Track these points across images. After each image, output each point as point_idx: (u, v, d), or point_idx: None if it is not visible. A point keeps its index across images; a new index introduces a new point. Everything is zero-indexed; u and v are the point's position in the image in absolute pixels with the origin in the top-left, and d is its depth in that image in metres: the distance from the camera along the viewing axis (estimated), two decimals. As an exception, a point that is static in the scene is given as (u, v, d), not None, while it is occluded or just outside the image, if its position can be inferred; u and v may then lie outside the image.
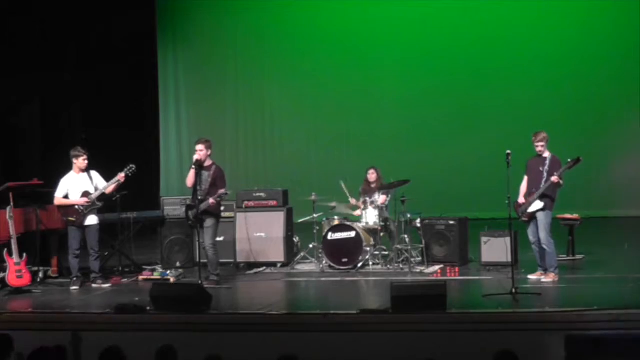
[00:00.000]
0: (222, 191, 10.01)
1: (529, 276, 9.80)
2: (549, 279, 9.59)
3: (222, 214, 10.85)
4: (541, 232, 9.62)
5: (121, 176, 10.41)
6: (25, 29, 14.60)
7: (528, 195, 9.71)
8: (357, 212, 11.56)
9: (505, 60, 16.61)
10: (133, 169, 10.50)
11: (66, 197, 10.46)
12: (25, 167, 14.17)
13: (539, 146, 9.72)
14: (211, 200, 9.99)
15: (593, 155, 16.06)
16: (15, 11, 14.34)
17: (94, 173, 10.61)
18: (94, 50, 15.88)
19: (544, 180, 9.59)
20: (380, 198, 11.41)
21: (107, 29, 15.85)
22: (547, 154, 9.73)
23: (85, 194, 10.42)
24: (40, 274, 10.81)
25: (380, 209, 11.21)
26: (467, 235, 11.33)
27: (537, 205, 9.60)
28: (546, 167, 9.62)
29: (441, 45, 16.84)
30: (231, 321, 8.32)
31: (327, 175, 16.27)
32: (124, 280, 10.84)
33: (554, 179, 9.47)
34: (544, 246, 9.64)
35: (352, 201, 11.66)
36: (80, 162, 10.48)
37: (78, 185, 10.47)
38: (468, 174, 16.46)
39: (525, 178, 9.87)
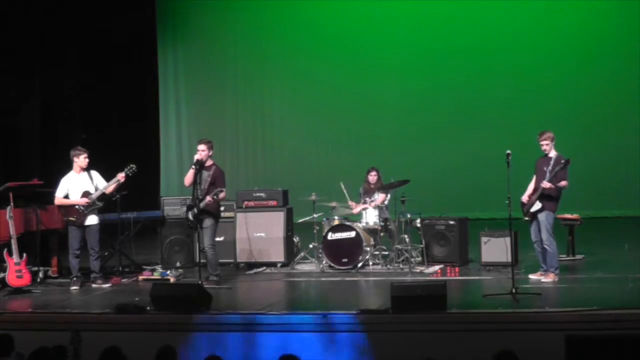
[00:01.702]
0: (218, 189, 10.03)
1: (530, 275, 9.80)
2: (548, 279, 9.59)
3: (222, 214, 10.86)
4: (543, 233, 9.62)
5: (121, 176, 10.40)
6: (25, 28, 14.60)
7: (532, 194, 9.71)
8: (356, 211, 11.57)
9: (506, 60, 16.60)
10: (133, 168, 10.50)
11: (66, 197, 10.46)
12: (25, 167, 14.17)
13: (543, 145, 9.70)
14: (208, 198, 9.99)
15: (593, 155, 16.11)
16: (15, 11, 14.34)
17: (94, 173, 10.61)
18: (94, 50, 15.88)
19: (545, 180, 9.59)
20: (379, 197, 11.42)
21: (107, 28, 15.85)
22: (553, 154, 9.70)
23: (86, 193, 10.42)
24: (40, 274, 10.81)
25: (380, 208, 11.20)
26: (467, 235, 11.32)
27: (537, 206, 9.60)
28: (549, 167, 9.60)
29: (441, 45, 16.83)
30: (231, 321, 8.32)
31: (327, 175, 16.28)
32: (124, 280, 10.84)
33: (544, 184, 9.46)
34: (546, 246, 9.64)
35: (352, 204, 11.66)
36: (82, 160, 10.48)
37: (78, 184, 10.47)
38: (468, 174, 16.46)
39: (534, 177, 9.86)
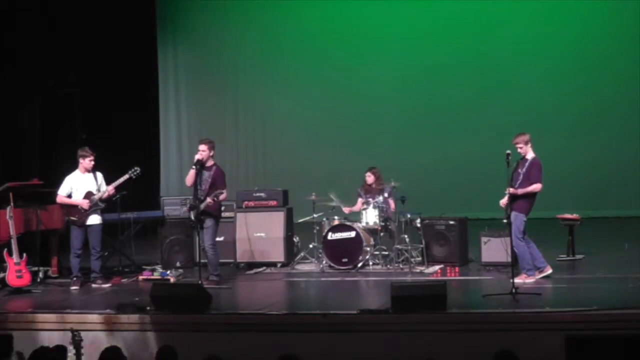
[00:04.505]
0: (218, 191, 10.03)
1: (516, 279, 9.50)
2: (520, 279, 9.40)
3: (222, 214, 10.85)
4: (512, 234, 9.53)
5: (110, 189, 10.46)
6: (25, 28, 14.58)
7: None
8: (357, 208, 11.52)
9: (506, 60, 16.60)
10: (138, 171, 10.52)
11: (69, 195, 10.47)
12: (25, 167, 14.15)
13: (517, 149, 9.67)
14: (208, 200, 10.00)
15: (593, 155, 16.11)
16: (15, 11, 14.32)
17: (99, 174, 10.62)
18: (94, 50, 15.87)
19: (518, 182, 9.56)
20: (391, 204, 11.37)
21: (107, 28, 15.84)
22: (530, 156, 9.68)
23: (89, 194, 10.43)
24: (40, 274, 10.81)
25: (380, 209, 11.20)
26: (467, 235, 11.33)
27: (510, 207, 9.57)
28: (524, 170, 9.60)
29: (441, 45, 16.82)
30: (231, 321, 8.33)
31: (327, 175, 16.29)
32: (124, 280, 10.84)
33: (508, 190, 9.43)
34: (514, 248, 9.58)
35: (346, 210, 11.66)
36: (87, 162, 10.51)
37: (82, 184, 10.49)
38: (468, 174, 16.45)
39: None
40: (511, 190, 9.46)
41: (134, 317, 8.40)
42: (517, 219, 9.55)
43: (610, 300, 8.18)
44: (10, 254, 10.12)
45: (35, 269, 10.67)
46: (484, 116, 16.65)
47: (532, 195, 9.61)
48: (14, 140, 14.67)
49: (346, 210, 11.65)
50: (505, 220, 9.66)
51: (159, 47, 17.89)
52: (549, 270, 9.74)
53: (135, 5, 16.70)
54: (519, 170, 9.62)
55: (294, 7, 17.67)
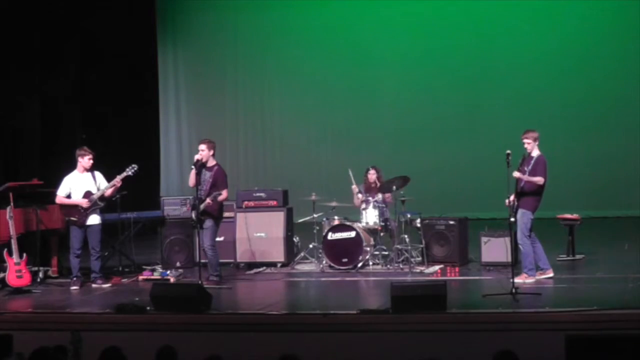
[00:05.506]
0: (217, 192, 10.02)
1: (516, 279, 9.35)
2: (520, 279, 9.42)
3: (223, 214, 10.84)
4: (518, 232, 9.58)
5: (117, 181, 10.40)
6: (25, 28, 14.58)
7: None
8: (358, 201, 11.49)
9: (506, 59, 16.60)
10: (135, 168, 10.51)
11: (68, 196, 10.46)
12: (25, 167, 14.16)
13: (525, 144, 9.70)
14: (207, 201, 10.00)
15: (593, 155, 16.12)
16: (14, 10, 14.32)
17: (97, 173, 10.61)
18: (94, 50, 15.86)
19: (523, 180, 9.57)
20: (387, 197, 11.35)
21: (107, 28, 15.84)
22: (535, 153, 9.70)
23: (88, 194, 10.42)
24: (40, 274, 10.81)
25: (380, 208, 11.19)
26: (467, 235, 11.33)
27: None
28: (530, 167, 9.61)
29: (442, 44, 16.83)
30: (231, 321, 8.33)
31: (328, 175, 16.32)
32: (124, 280, 10.84)
33: (514, 174, 9.45)
34: (520, 245, 9.61)
35: (354, 189, 11.60)
36: (85, 161, 10.50)
37: (81, 184, 10.48)
38: (468, 174, 16.45)
39: None
40: (516, 174, 9.45)
41: (134, 317, 8.40)
42: (525, 217, 9.58)
43: (610, 300, 8.19)
44: (10, 254, 10.12)
45: (35, 269, 10.67)
46: (485, 116, 16.66)
47: (538, 193, 9.63)
48: (14, 140, 14.68)
49: (354, 189, 11.58)
50: (512, 219, 9.62)
51: (159, 47, 17.88)
52: (550, 274, 9.74)
53: (135, 5, 16.70)
54: (525, 168, 9.63)
55: (294, 7, 17.66)
